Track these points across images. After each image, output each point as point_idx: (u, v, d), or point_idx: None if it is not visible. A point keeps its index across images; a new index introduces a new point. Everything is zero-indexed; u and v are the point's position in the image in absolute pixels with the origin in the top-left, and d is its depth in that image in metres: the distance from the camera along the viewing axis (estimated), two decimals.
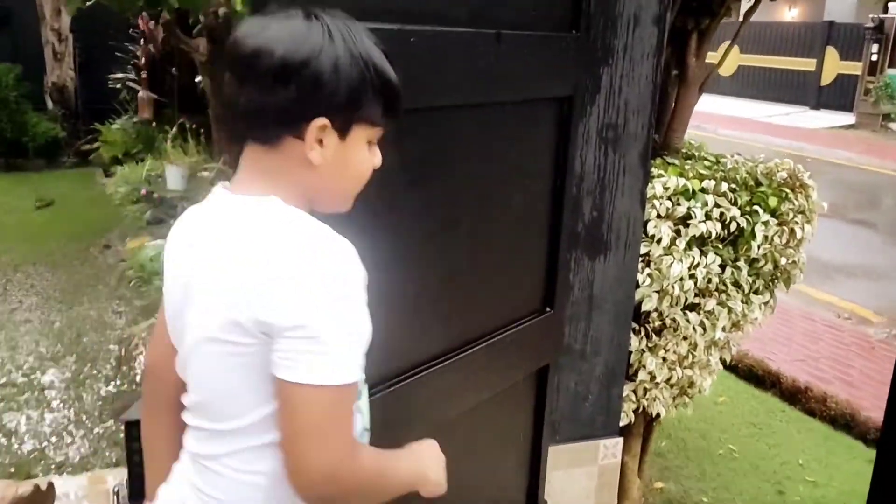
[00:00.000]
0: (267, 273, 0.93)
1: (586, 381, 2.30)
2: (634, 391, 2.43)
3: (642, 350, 2.35)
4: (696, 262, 2.25)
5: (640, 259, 2.25)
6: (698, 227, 2.21)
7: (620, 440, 2.40)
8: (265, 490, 1.02)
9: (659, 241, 2.22)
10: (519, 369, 2.07)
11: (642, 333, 2.35)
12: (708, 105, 15.10)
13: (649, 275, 2.25)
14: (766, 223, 2.30)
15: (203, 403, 1.04)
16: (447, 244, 1.71)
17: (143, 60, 6.23)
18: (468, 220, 1.76)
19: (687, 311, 2.33)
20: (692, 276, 2.25)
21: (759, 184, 2.36)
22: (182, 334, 1.05)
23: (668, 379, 2.43)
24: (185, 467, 1.09)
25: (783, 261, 2.41)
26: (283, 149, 0.99)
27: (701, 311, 2.35)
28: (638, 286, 2.26)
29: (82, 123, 7.51)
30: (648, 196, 2.21)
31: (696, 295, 2.31)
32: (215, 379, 1.01)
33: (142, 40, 6.29)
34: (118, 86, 6.42)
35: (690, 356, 2.42)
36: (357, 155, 1.03)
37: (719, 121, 13.36)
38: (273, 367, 0.94)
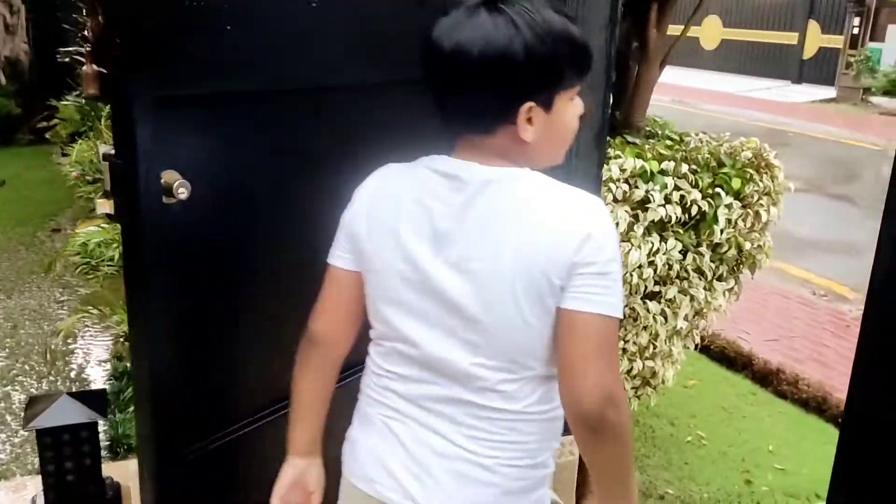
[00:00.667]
0: (562, 227, 1.04)
1: None
2: None
3: None
4: (655, 249, 2.12)
5: None
6: (657, 212, 2.08)
7: None
8: (557, 421, 1.15)
9: (616, 226, 2.08)
10: None
11: None
12: (691, 79, 14.97)
13: None
14: (729, 206, 2.17)
15: (510, 358, 1.09)
16: None
17: (89, 33, 5.93)
18: None
19: (647, 300, 2.20)
20: (651, 264, 2.13)
21: (721, 164, 2.23)
22: (447, 292, 1.09)
23: (629, 371, 2.32)
24: (435, 425, 1.13)
25: (748, 245, 2.29)
26: (499, 133, 1.08)
27: (662, 300, 2.23)
28: None
29: (38, 99, 7.18)
30: (604, 179, 2.07)
31: (656, 283, 2.18)
32: (529, 334, 1.07)
33: (87, 11, 5.99)
34: (67, 59, 6.13)
35: (652, 347, 2.30)
36: (563, 118, 1.11)
37: (701, 95, 13.22)
38: (566, 302, 1.04)
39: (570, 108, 1.12)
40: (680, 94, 12.75)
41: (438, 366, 1.11)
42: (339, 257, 1.17)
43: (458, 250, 1.07)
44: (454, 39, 1.03)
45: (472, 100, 1.06)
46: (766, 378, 3.83)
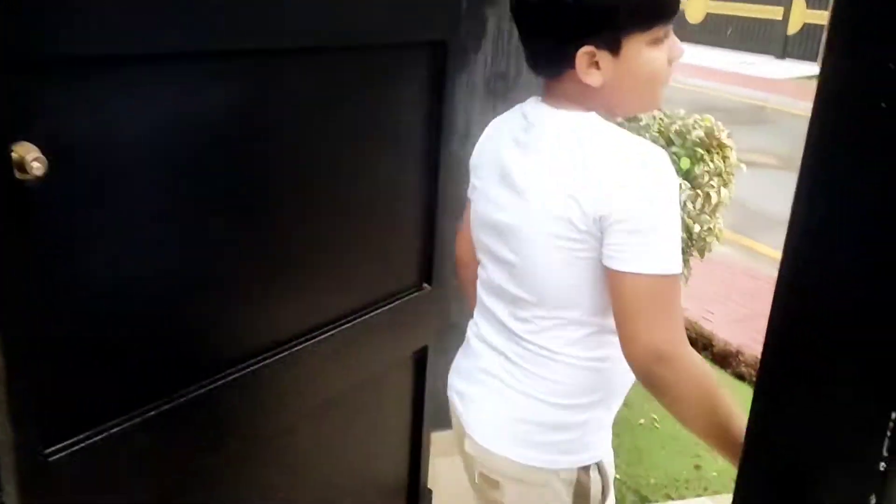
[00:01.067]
0: (597, 174, 1.04)
1: None
2: None
3: None
4: None
5: None
6: None
7: None
8: (604, 373, 1.18)
9: None
10: (393, 351, 1.86)
11: None
12: None
13: None
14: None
15: (540, 295, 1.15)
16: (291, 214, 1.47)
17: None
18: (316, 187, 1.51)
19: None
20: None
21: (671, 143, 2.13)
22: (500, 221, 1.18)
23: None
24: (494, 343, 1.25)
25: (697, 228, 2.21)
26: (565, 78, 1.10)
27: None
28: None
29: None
30: None
31: None
32: (553, 273, 1.12)
33: None
34: None
35: None
36: (637, 63, 1.08)
37: (685, 70, 13.07)
38: (604, 259, 1.06)
39: (647, 52, 1.08)
40: None
41: (498, 291, 1.23)
42: (469, 189, 1.33)
43: (512, 188, 1.15)
44: None
45: (536, 45, 1.12)
46: (726, 359, 3.79)
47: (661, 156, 1.07)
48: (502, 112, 1.90)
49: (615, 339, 1.12)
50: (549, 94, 1.14)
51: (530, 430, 1.20)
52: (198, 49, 1.21)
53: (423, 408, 1.95)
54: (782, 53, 15.37)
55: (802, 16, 14.95)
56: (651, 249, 1.04)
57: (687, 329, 4.02)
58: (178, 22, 1.15)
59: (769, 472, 0.76)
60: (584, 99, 1.10)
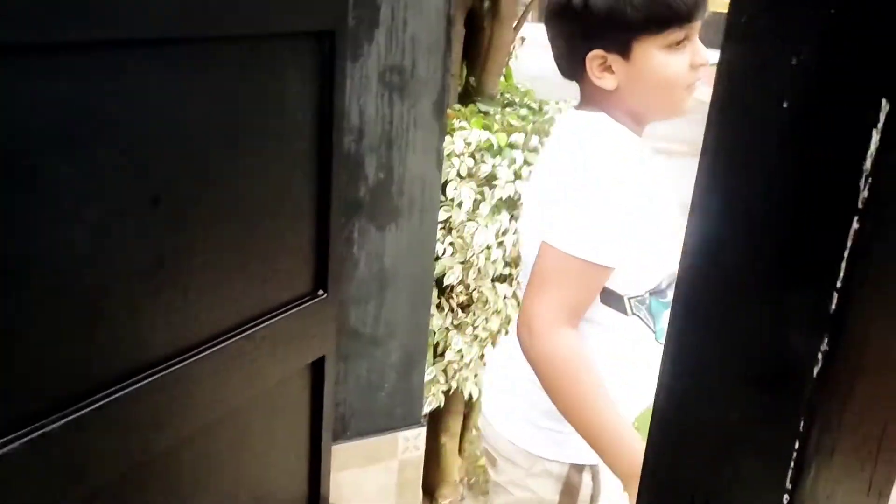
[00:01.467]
0: (566, 163, 1.09)
1: (380, 368, 1.99)
2: (444, 371, 2.16)
3: (447, 328, 2.06)
4: (504, 229, 1.96)
5: (440, 226, 1.94)
6: (505, 189, 1.92)
7: (423, 430, 2.12)
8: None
9: (460, 204, 1.91)
10: (288, 362, 1.73)
11: (446, 310, 2.05)
12: None
13: (451, 244, 1.95)
14: None
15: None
16: (169, 220, 1.32)
17: None
18: (195, 190, 1.37)
19: (496, 283, 2.05)
20: (501, 244, 1.97)
21: None
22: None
23: (482, 356, 2.17)
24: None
25: None
26: (582, 81, 1.14)
27: (513, 282, 2.08)
28: (438, 258, 1.96)
29: None
30: (447, 153, 1.89)
31: (506, 265, 2.03)
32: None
33: None
34: None
35: (504, 331, 2.15)
36: (649, 67, 1.07)
37: None
38: None
39: (662, 56, 1.07)
40: None
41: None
42: None
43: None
44: None
45: (554, 47, 1.15)
46: None
47: (623, 158, 1.09)
48: (398, 106, 1.80)
49: (594, 331, 1.15)
50: (580, 96, 1.18)
51: (526, 411, 1.24)
52: (52, 40, 1.05)
53: (322, 419, 1.84)
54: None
55: (713, 4, 15.46)
56: (559, 224, 1.04)
57: None
58: (23, 7, 0.99)
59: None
60: (603, 102, 1.12)
